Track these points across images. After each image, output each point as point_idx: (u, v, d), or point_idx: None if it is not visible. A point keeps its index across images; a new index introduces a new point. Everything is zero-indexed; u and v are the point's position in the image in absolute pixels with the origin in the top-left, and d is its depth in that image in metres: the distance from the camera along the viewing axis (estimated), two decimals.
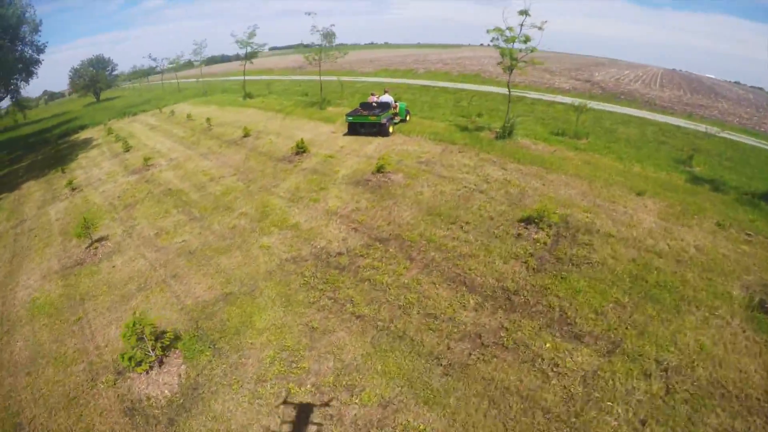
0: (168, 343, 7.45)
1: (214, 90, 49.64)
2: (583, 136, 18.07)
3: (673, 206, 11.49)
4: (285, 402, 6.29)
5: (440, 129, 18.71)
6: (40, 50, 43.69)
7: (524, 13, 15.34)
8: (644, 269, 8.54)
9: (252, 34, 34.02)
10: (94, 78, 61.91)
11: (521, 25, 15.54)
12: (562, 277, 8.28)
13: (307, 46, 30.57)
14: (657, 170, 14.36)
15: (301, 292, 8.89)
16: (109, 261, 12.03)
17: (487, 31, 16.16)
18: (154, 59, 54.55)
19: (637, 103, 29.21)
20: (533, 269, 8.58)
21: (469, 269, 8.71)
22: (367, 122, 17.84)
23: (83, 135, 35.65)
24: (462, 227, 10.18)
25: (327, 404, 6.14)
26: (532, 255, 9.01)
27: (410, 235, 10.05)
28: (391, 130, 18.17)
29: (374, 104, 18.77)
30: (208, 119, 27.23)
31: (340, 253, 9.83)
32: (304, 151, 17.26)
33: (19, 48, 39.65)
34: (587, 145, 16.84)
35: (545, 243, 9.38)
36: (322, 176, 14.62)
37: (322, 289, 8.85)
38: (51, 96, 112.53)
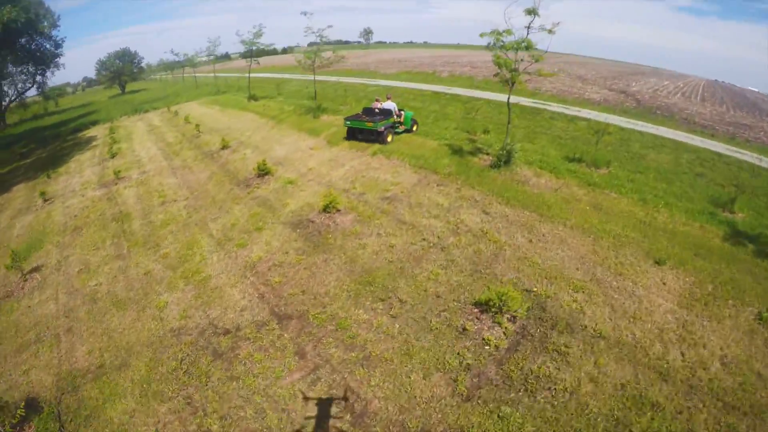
0: (17, 421, 6.42)
1: (231, 88, 48.77)
2: (604, 164, 14.85)
3: (702, 283, 8.43)
4: None
5: (429, 150, 16.02)
6: (58, 45, 44.89)
7: (532, 12, 12.37)
8: (635, 407, 5.78)
9: (258, 34, 32.48)
10: (119, 71, 63.19)
11: (528, 27, 12.66)
12: (499, 416, 5.64)
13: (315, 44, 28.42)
14: (688, 219, 11.09)
15: (164, 382, 7.04)
16: (30, 298, 10.92)
17: (481, 35, 13.38)
18: (176, 54, 54.30)
19: (674, 120, 25.12)
20: (461, 395, 5.95)
21: (369, 385, 6.28)
22: (365, 129, 16.93)
23: (90, 132, 35.36)
24: (392, 308, 7.66)
25: None
26: (469, 368, 6.35)
27: (319, 315, 7.73)
28: (390, 139, 17.06)
29: (376, 110, 17.60)
30: (197, 126, 25.83)
31: (227, 331, 7.68)
32: (266, 173, 15.26)
33: (37, 42, 40.58)
34: (606, 178, 13.67)
35: (498, 347, 6.71)
36: (268, 210, 12.45)
37: (184, 382, 6.89)
38: (89, 83, 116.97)
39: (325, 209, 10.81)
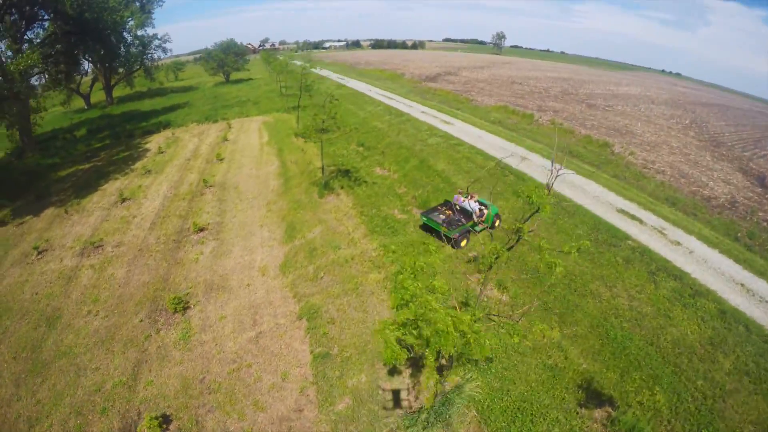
0: None
1: (321, 95, 47.07)
2: None
3: None
4: None
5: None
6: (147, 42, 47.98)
7: None
8: None
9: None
10: (222, 62, 66.61)
11: None
12: None
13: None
14: None
15: None
16: None
17: None
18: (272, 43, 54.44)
19: None
20: None
21: None
22: (438, 231, 16.29)
23: (153, 140, 36.44)
24: None
25: None
26: None
27: None
28: (464, 243, 16.38)
29: (457, 208, 16.93)
30: (205, 180, 24.19)
31: None
32: (186, 308, 13.34)
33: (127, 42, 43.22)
34: None
35: None
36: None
37: None
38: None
39: None
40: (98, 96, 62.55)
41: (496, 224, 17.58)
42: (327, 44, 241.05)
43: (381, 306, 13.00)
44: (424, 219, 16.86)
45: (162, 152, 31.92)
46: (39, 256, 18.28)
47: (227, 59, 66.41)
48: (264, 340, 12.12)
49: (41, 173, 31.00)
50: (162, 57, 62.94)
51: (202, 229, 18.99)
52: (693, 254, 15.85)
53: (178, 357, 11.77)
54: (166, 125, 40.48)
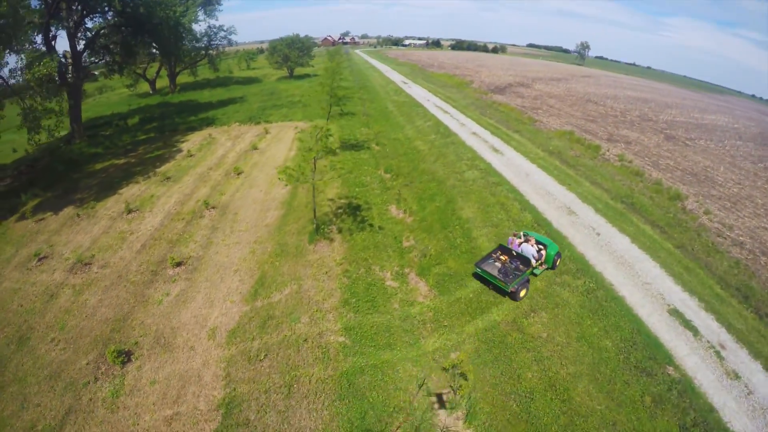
0: None
1: (378, 99, 44.93)
2: None
3: None
4: None
5: None
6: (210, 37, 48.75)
7: None
8: None
9: None
10: (286, 56, 66.42)
11: None
12: None
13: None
14: None
15: None
16: None
17: None
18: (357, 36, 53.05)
19: None
20: None
21: None
22: (494, 284, 14.79)
23: (191, 139, 36.26)
24: None
25: None
26: None
27: None
28: (523, 294, 14.52)
29: (514, 253, 15.38)
30: (206, 202, 22.58)
31: None
32: (126, 361, 12.43)
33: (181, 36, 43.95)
34: None
35: None
36: None
37: None
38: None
39: None
40: (164, 81, 65.51)
41: (557, 263, 15.89)
42: (407, 42, 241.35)
43: (308, 418, 10.37)
44: (479, 270, 15.09)
45: (191, 155, 31.42)
46: (38, 263, 18.27)
47: (291, 54, 66.32)
48: (176, 425, 10.53)
49: (81, 163, 31.88)
50: (226, 47, 64.33)
51: (179, 264, 17.46)
52: (752, 397, 10.88)
53: (100, 416, 11.01)
54: (211, 122, 40.44)
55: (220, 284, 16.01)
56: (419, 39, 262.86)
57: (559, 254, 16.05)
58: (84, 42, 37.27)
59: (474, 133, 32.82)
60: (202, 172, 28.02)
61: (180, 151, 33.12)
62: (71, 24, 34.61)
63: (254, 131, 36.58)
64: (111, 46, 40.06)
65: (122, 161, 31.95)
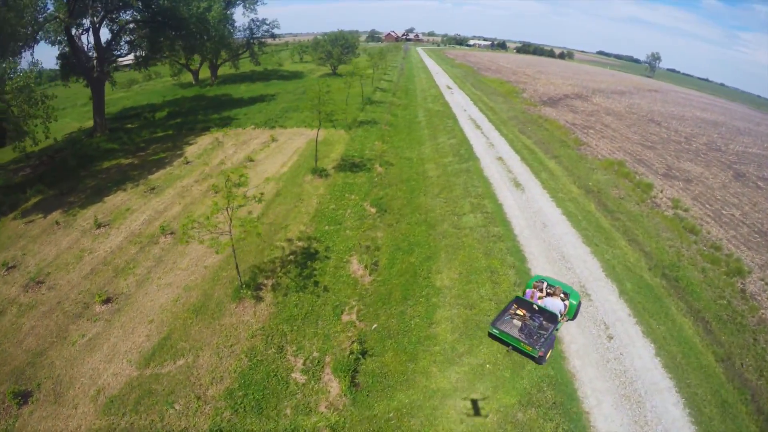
0: None
1: (412, 104, 41.50)
2: None
3: None
4: None
5: None
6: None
7: None
8: None
9: None
10: (329, 53, 64.02)
11: None
12: None
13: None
14: None
15: None
16: None
17: None
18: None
19: None
20: None
21: None
22: (516, 347, 12.10)
23: (199, 141, 34.58)
24: None
25: None
26: None
27: None
28: (549, 355, 12.00)
29: (535, 308, 12.82)
30: (162, 228, 20.19)
31: None
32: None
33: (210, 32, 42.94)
34: None
35: None
36: None
37: None
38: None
39: None
40: (208, 71, 65.70)
41: (578, 313, 13.53)
42: (471, 42, 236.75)
43: None
44: (495, 332, 12.43)
45: (187, 163, 29.53)
46: (5, 273, 17.46)
47: (334, 51, 63.91)
48: None
49: (94, 159, 31.37)
50: (267, 40, 63.39)
51: (108, 301, 15.44)
52: None
53: None
54: (228, 123, 38.69)
55: (131, 335, 13.61)
56: (484, 40, 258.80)
57: (580, 303, 13.56)
58: (108, 38, 37.20)
59: (500, 158, 28.24)
60: (186, 185, 25.83)
61: (181, 156, 31.27)
62: (96, 20, 34.28)
63: (262, 138, 34.24)
64: (136, 41, 39.76)
65: (128, 161, 30.90)
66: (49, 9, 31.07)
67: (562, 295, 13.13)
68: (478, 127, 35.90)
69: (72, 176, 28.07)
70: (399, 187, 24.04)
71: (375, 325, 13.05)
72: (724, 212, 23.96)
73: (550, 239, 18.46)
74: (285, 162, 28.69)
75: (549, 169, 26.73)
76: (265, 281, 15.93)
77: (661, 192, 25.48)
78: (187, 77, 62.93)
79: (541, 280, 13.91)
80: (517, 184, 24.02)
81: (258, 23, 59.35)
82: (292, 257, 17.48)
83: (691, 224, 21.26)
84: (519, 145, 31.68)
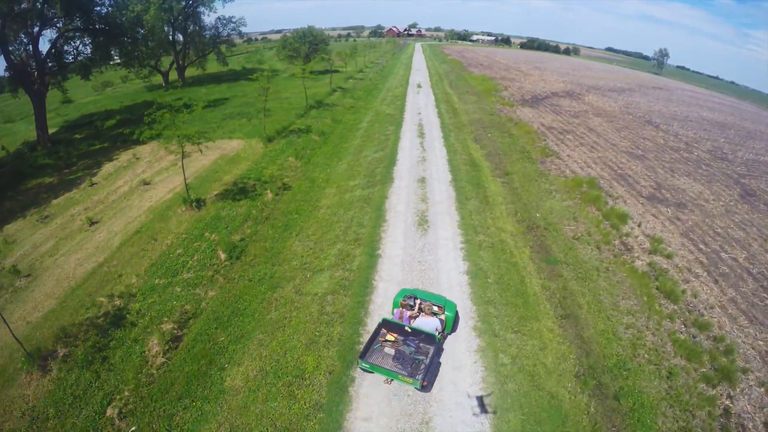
0: None
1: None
2: None
3: None
4: None
5: None
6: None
7: None
8: None
9: None
10: (297, 51, 56.80)
11: None
12: None
13: None
14: None
15: None
16: None
17: None
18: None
19: None
20: None
21: None
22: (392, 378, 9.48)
23: (121, 157, 28.88)
24: None
25: None
26: None
27: None
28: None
29: (407, 329, 10.14)
30: (21, 272, 14.99)
31: None
32: None
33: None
34: None
35: None
36: None
37: None
38: None
39: None
40: (188, 72, 60.10)
41: (457, 324, 11.26)
42: (474, 37, 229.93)
43: None
44: (366, 366, 9.52)
45: (93, 185, 24.56)
46: None
47: (301, 48, 56.78)
48: None
49: (26, 176, 27.04)
50: (234, 39, 57.42)
51: None
52: None
53: None
54: (160, 134, 33.00)
55: None
56: (488, 35, 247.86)
57: (458, 316, 11.49)
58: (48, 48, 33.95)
59: (422, 180, 20.77)
60: (76, 213, 21.17)
61: (94, 174, 26.32)
62: (34, 32, 31.31)
63: (174, 155, 28.35)
64: (77, 50, 36.68)
65: (50, 180, 26.38)
66: None
67: (435, 309, 10.79)
68: (421, 135, 28.46)
69: None
70: (274, 223, 17.41)
71: (134, 428, 9.41)
72: (724, 255, 16.32)
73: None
74: (176, 186, 22.53)
75: (485, 195, 19.31)
76: (61, 349, 11.54)
77: (639, 226, 17.89)
78: (158, 79, 57.39)
79: (410, 295, 11.22)
80: (423, 221, 16.64)
81: (224, 21, 53.19)
82: (101, 320, 12.73)
83: (670, 284, 13.76)
84: (462, 158, 24.20)
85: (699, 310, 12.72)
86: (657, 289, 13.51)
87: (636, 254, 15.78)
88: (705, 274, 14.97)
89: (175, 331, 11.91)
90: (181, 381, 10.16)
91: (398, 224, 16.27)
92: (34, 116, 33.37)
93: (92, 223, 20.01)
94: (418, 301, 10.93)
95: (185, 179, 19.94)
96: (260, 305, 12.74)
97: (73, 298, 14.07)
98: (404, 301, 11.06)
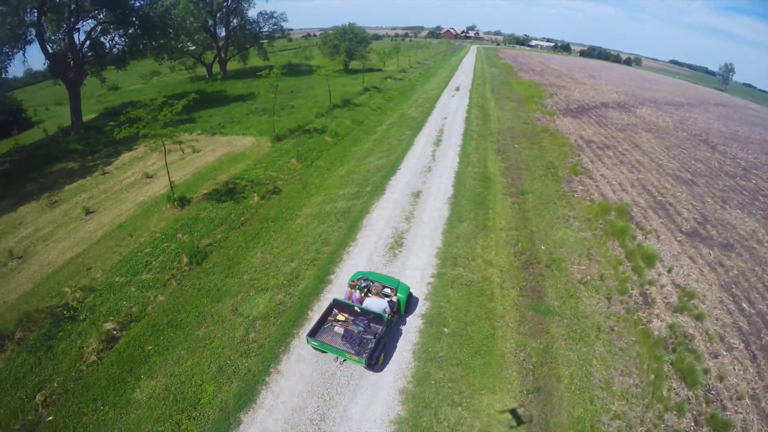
0: None
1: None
2: None
3: None
4: None
5: None
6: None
7: None
8: None
9: None
10: (337, 47, 55.52)
11: None
12: None
13: None
14: None
15: None
16: None
17: None
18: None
19: None
20: None
21: None
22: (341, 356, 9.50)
23: (134, 150, 29.02)
24: None
25: None
26: None
27: None
28: (382, 359, 9.61)
29: (357, 309, 10.12)
30: (14, 254, 14.79)
31: None
32: None
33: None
34: None
35: None
36: None
37: None
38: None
39: None
40: (230, 65, 61.13)
41: (412, 306, 11.23)
42: (533, 43, 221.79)
43: None
44: (315, 344, 9.59)
45: (104, 174, 24.66)
46: None
47: (341, 45, 55.45)
48: None
49: (54, 159, 27.92)
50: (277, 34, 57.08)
51: None
52: None
53: None
54: (183, 125, 33.08)
55: None
56: (548, 41, 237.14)
57: (410, 295, 11.22)
58: (81, 40, 34.99)
59: (416, 194, 18.36)
60: (80, 201, 21.02)
61: (110, 163, 26.53)
62: (71, 24, 32.49)
63: (181, 150, 27.98)
64: (113, 43, 37.27)
65: (72, 165, 26.86)
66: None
67: (387, 290, 10.72)
68: (438, 142, 25.94)
69: (20, 179, 24.92)
70: (247, 230, 16.04)
71: (50, 418, 9.33)
72: None
73: (335, 388, 9.17)
74: (174, 181, 22.01)
75: (485, 218, 16.69)
76: (19, 332, 11.74)
77: (669, 272, 14.74)
78: (202, 71, 58.81)
79: (362, 276, 11.14)
80: (397, 244, 14.33)
81: (266, 16, 53.14)
82: (60, 310, 12.54)
83: (691, 358, 10.77)
84: (474, 172, 21.53)
85: (721, 401, 9.74)
86: (671, 364, 10.60)
87: (656, 311, 12.79)
88: (742, 345, 11.78)
89: (115, 332, 11.52)
90: (102, 382, 9.89)
91: (368, 245, 14.22)
92: (69, 103, 34.94)
93: (88, 212, 19.80)
94: (366, 281, 10.89)
95: (169, 177, 19.11)
96: (195, 319, 11.67)
97: (45, 285, 14.05)
98: (354, 282, 10.97)
